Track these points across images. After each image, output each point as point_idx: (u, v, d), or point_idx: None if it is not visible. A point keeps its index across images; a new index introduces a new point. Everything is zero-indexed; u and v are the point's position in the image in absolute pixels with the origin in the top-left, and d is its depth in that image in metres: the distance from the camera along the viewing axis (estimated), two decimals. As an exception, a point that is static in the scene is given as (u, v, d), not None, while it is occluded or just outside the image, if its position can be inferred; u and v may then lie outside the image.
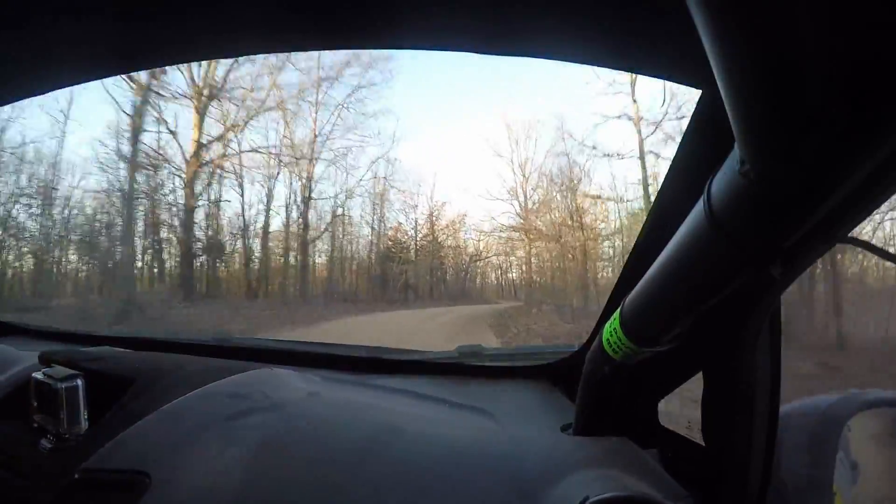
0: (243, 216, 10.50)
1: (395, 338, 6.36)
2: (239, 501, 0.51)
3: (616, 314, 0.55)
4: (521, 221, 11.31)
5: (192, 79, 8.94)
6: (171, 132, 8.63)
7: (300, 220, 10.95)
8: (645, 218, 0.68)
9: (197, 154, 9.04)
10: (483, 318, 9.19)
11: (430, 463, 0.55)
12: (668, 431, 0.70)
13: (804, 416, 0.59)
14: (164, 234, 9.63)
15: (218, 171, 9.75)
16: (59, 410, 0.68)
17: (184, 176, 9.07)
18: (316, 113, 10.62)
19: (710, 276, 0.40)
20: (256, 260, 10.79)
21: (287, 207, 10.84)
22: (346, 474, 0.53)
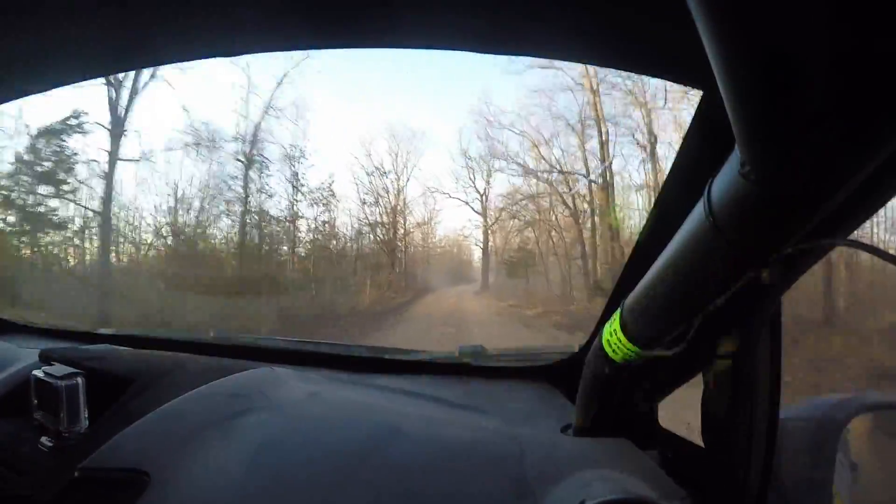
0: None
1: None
2: (238, 501, 0.51)
3: (616, 315, 0.55)
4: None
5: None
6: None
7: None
8: (646, 218, 0.68)
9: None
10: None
11: (429, 463, 0.55)
12: (668, 433, 0.70)
13: (804, 418, 0.59)
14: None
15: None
16: (60, 409, 0.68)
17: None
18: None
19: (711, 278, 0.40)
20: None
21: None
22: (346, 474, 0.53)
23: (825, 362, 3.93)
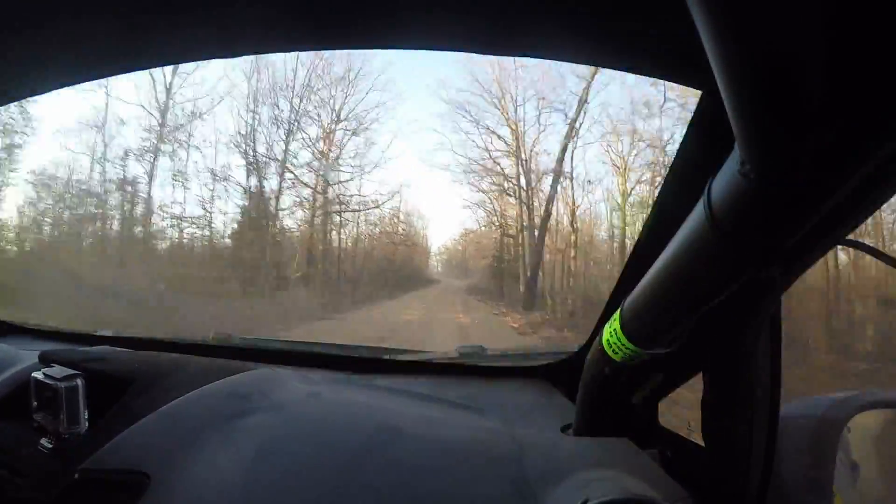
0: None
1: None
2: (239, 501, 0.51)
3: (616, 315, 0.55)
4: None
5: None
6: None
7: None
8: (645, 218, 0.68)
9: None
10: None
11: (429, 464, 0.55)
12: (669, 432, 0.70)
13: (804, 416, 0.59)
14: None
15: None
16: (60, 410, 0.68)
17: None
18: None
19: (711, 277, 0.40)
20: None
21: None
22: (346, 475, 0.53)
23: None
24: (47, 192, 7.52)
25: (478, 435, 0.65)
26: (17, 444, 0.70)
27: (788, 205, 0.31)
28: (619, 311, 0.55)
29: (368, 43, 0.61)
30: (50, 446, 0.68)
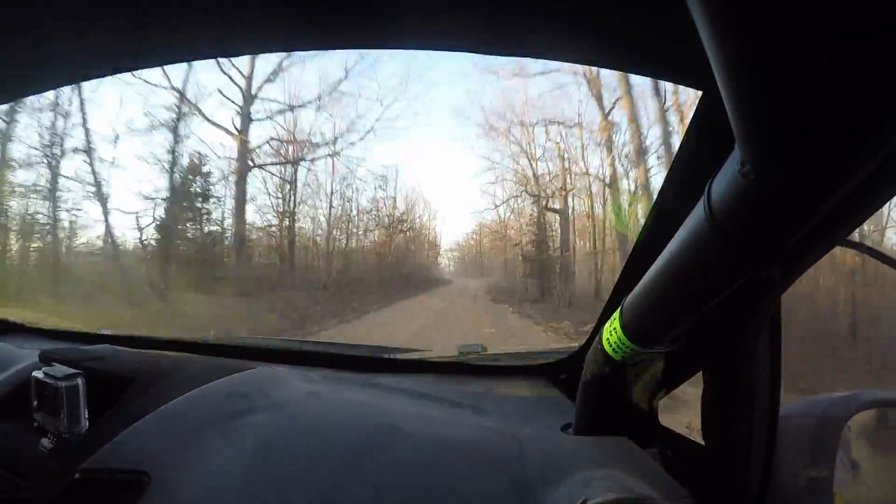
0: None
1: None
2: (239, 501, 0.51)
3: (616, 314, 0.55)
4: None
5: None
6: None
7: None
8: (645, 218, 0.68)
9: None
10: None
11: (429, 462, 0.55)
12: (668, 431, 0.70)
13: (804, 416, 0.59)
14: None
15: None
16: (60, 409, 0.68)
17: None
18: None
19: (710, 277, 0.41)
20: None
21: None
22: (346, 474, 0.53)
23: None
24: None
25: (478, 434, 0.65)
26: (17, 444, 0.70)
27: (788, 205, 0.31)
28: (619, 310, 0.55)
29: (368, 43, 0.61)
30: (50, 446, 0.68)
